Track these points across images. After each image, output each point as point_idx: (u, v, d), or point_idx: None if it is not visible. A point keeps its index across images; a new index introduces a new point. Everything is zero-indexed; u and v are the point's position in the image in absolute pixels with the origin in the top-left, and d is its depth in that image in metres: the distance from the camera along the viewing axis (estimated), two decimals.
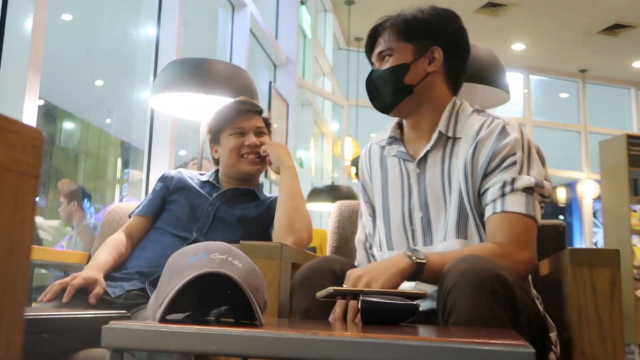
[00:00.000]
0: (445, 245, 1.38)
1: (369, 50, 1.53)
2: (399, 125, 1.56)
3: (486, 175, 1.35)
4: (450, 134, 1.43)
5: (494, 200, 1.32)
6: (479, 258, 1.13)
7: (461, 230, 1.37)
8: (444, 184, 1.41)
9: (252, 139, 1.82)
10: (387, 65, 1.46)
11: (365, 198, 1.62)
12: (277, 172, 1.79)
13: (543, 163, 1.40)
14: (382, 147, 1.57)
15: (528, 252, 1.29)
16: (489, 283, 1.06)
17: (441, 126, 1.43)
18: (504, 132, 1.37)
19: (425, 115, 1.47)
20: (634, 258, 5.50)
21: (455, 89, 1.50)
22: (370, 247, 1.60)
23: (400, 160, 1.50)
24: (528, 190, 1.31)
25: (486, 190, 1.35)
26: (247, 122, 1.84)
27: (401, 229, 1.47)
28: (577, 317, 1.19)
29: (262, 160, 1.84)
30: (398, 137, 1.52)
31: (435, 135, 1.43)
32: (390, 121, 1.59)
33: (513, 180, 1.31)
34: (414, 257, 1.22)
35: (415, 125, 1.49)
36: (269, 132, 1.90)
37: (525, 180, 1.31)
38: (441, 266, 1.18)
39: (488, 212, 1.33)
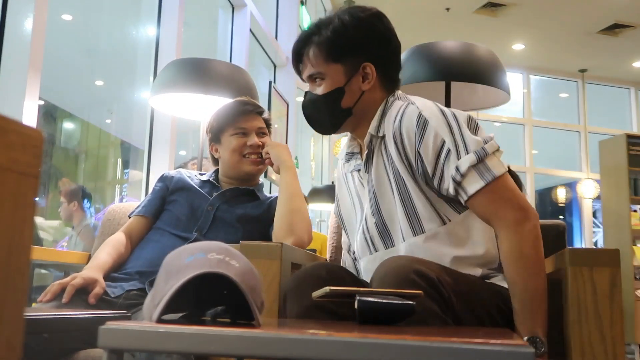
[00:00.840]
0: (407, 245, 1.36)
1: (297, 68, 1.47)
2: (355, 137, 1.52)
3: (427, 171, 1.31)
4: (380, 134, 1.40)
5: (457, 194, 1.29)
6: (397, 259, 1.18)
7: (415, 226, 1.35)
8: (390, 184, 1.39)
9: (254, 140, 1.83)
10: (320, 90, 1.41)
11: (336, 211, 1.62)
12: (278, 172, 1.79)
13: (477, 127, 1.34)
14: (344, 164, 1.55)
15: (519, 210, 1.24)
16: (406, 276, 1.10)
17: (371, 128, 1.40)
18: (420, 120, 1.30)
19: (368, 125, 1.43)
20: (634, 258, 5.50)
21: (393, 87, 1.45)
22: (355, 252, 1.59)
23: (357, 172, 1.49)
24: (475, 164, 1.27)
25: (439, 186, 1.31)
26: (249, 122, 1.85)
27: (362, 238, 1.47)
28: (577, 317, 1.19)
29: (264, 161, 1.85)
30: (356, 151, 1.50)
31: (367, 139, 1.41)
32: None
33: (457, 169, 1.27)
34: (538, 352, 1.19)
35: (361, 135, 1.47)
36: (269, 132, 1.90)
37: (467, 160, 1.26)
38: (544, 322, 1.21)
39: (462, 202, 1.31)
